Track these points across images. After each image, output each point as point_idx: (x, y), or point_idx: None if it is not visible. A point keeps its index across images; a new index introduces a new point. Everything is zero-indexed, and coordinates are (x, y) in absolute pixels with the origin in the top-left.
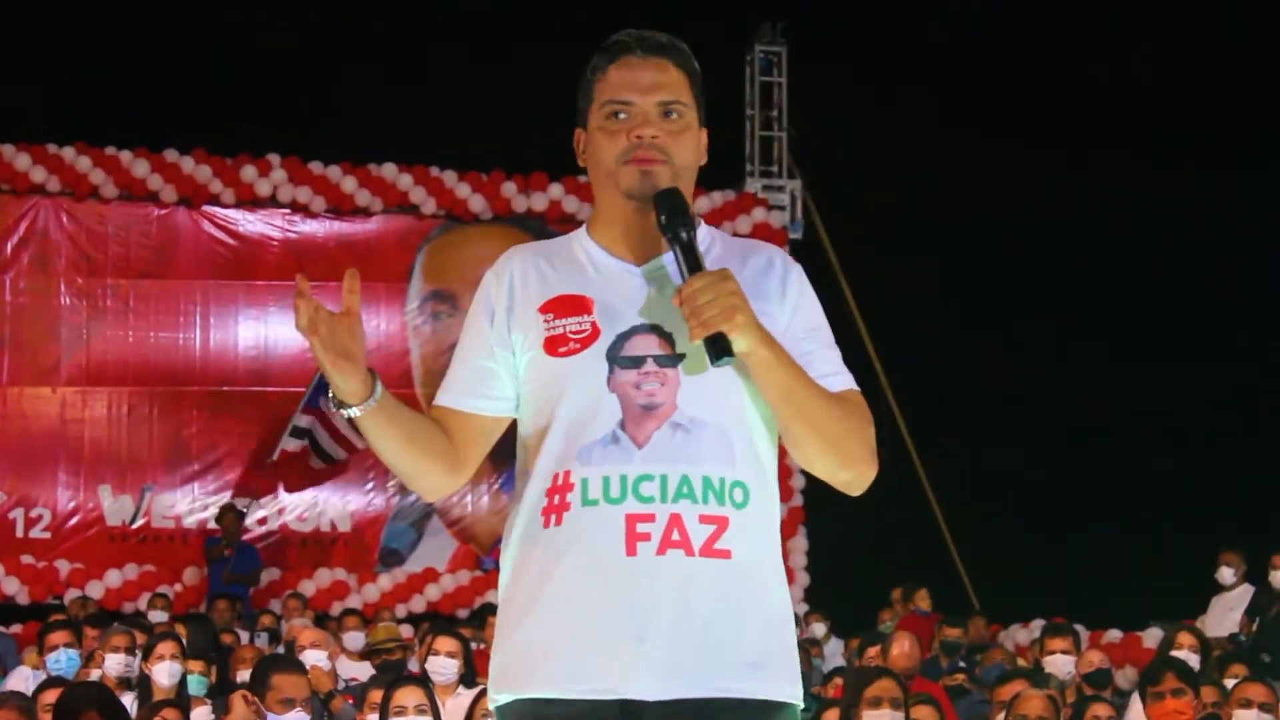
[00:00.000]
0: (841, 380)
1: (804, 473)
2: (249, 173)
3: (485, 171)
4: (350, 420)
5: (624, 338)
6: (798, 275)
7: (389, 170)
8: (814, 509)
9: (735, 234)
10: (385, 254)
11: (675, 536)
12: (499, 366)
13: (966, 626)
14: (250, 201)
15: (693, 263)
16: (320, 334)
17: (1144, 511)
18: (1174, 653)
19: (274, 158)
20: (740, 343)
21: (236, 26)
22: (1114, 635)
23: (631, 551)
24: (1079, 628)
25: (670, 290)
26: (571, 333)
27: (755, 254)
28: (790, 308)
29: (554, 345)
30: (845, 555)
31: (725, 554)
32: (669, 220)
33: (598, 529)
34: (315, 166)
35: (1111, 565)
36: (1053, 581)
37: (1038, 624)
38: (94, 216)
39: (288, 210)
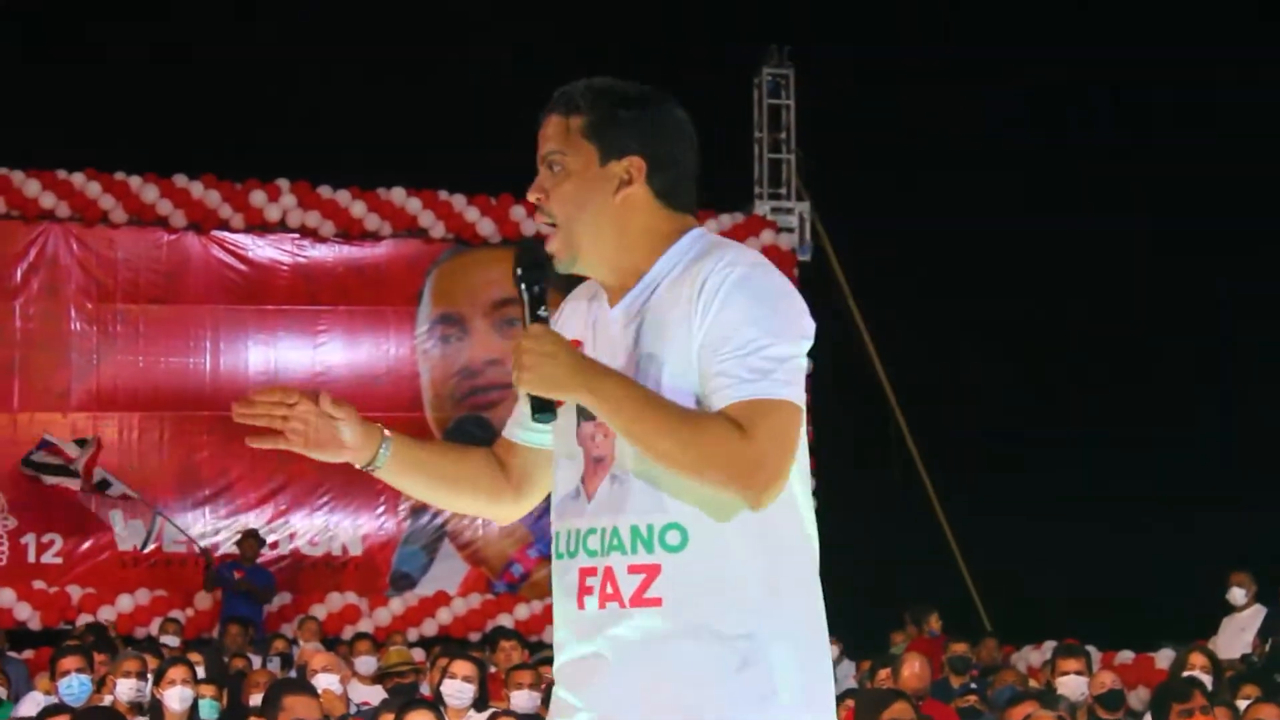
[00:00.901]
0: (732, 393)
1: (814, 495)
2: (258, 197)
3: (494, 195)
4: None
5: None
6: (719, 281)
7: (398, 194)
8: (824, 532)
9: None
10: (394, 278)
11: (609, 589)
12: None
13: (977, 646)
14: (260, 226)
15: (529, 317)
16: (295, 440)
17: (1155, 531)
18: (1186, 673)
19: (283, 182)
20: (552, 396)
21: (244, 52)
22: (1126, 656)
23: (580, 605)
24: (1091, 649)
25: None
26: None
27: (698, 265)
28: (701, 320)
29: None
30: (856, 577)
31: (656, 602)
32: (520, 274)
33: (562, 583)
34: (324, 191)
35: (1123, 586)
36: (1064, 602)
37: (1049, 645)
38: (104, 242)
39: (297, 235)
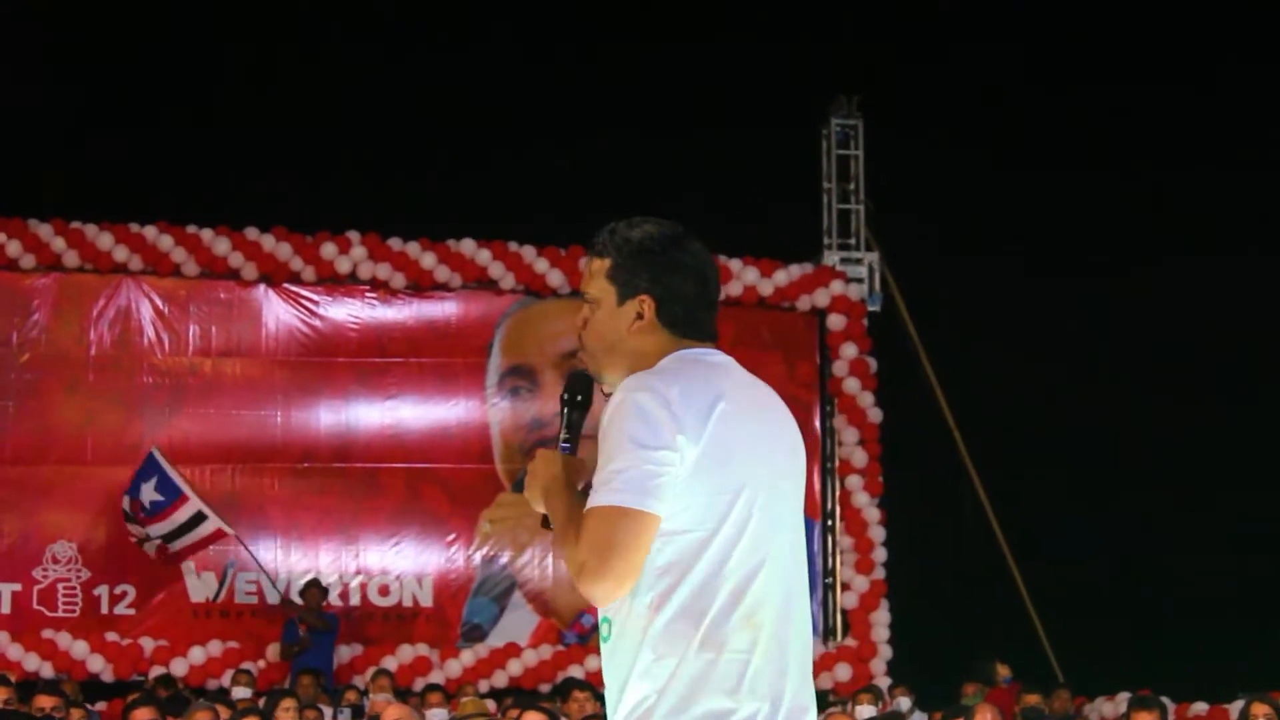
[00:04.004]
0: (587, 503)
1: (885, 545)
2: (329, 250)
3: (563, 246)
4: None
5: None
6: (612, 403)
7: (468, 246)
8: (896, 582)
9: (814, 307)
10: (464, 330)
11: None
12: None
13: (1050, 697)
14: (330, 279)
15: (558, 439)
16: None
17: (1233, 580)
18: None
19: (353, 234)
20: (536, 508)
21: (317, 106)
22: (1200, 708)
23: None
24: (1165, 700)
25: None
26: None
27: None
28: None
29: None
30: (928, 628)
31: (607, 685)
32: (566, 399)
33: None
34: (394, 243)
35: (1199, 636)
36: (1138, 653)
37: (1123, 696)
38: (176, 295)
39: (368, 287)
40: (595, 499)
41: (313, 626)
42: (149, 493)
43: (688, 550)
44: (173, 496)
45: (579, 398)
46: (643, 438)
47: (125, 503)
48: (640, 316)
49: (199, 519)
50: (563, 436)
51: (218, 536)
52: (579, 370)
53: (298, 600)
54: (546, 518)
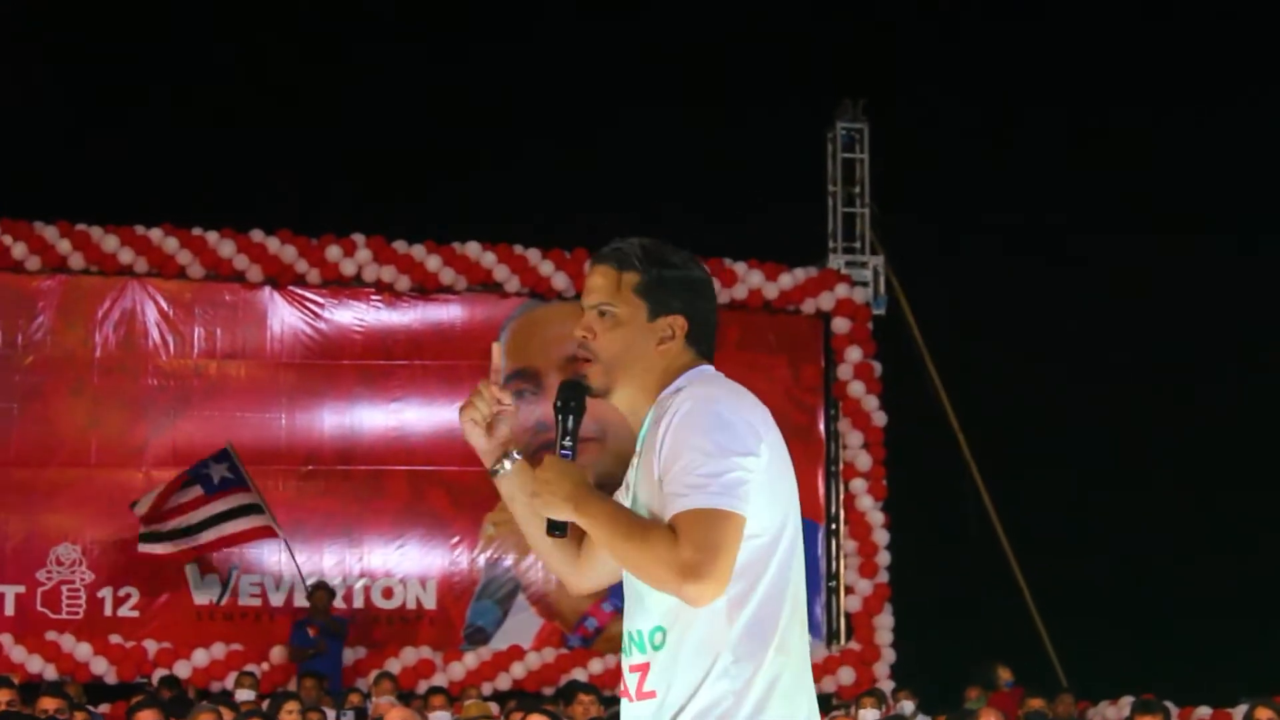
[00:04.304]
0: (674, 506)
1: (889, 549)
2: (334, 252)
3: (568, 249)
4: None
5: None
6: (670, 418)
7: (473, 249)
8: (899, 585)
9: (819, 311)
10: (469, 333)
11: (622, 686)
12: None
13: (1053, 701)
14: (335, 281)
15: (557, 446)
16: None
17: (1236, 583)
18: None
19: (358, 237)
20: (556, 517)
21: (321, 108)
22: (1203, 712)
23: (624, 697)
24: (1169, 704)
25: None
26: None
27: (666, 415)
28: (660, 452)
29: None
30: (932, 631)
31: (651, 694)
32: (559, 407)
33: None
34: (399, 246)
35: (1202, 640)
36: (1141, 657)
37: (1126, 700)
38: (181, 297)
39: (372, 289)
40: (692, 501)
41: (334, 633)
42: (220, 471)
43: (759, 554)
44: (240, 482)
45: (573, 404)
46: (729, 444)
47: (147, 501)
48: (670, 336)
49: (254, 509)
50: (565, 443)
51: (263, 533)
52: (573, 379)
53: (305, 603)
54: (555, 524)
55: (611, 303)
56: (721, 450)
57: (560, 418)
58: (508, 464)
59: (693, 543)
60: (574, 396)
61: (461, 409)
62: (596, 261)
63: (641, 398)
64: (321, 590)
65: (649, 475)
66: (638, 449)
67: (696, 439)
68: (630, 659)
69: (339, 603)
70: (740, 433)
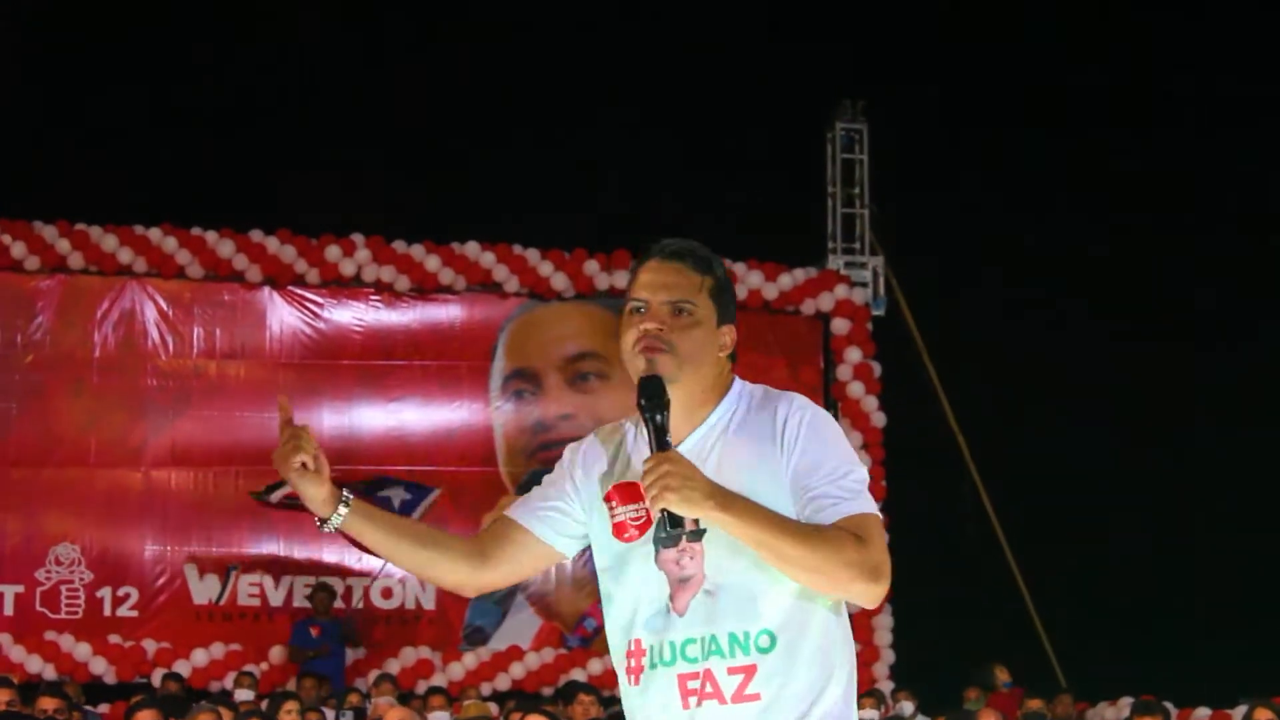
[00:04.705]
0: (842, 509)
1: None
2: (333, 252)
3: (568, 249)
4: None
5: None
6: (798, 420)
7: (472, 249)
8: (899, 586)
9: (819, 311)
10: (468, 333)
11: (709, 689)
12: (571, 515)
13: (1052, 701)
14: (334, 281)
15: (656, 444)
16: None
17: (1237, 584)
18: None
19: (358, 237)
20: (690, 514)
21: (321, 107)
22: (1203, 713)
23: (686, 705)
24: (1168, 705)
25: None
26: (630, 520)
27: (768, 409)
28: (789, 453)
29: (619, 531)
30: (931, 632)
31: (755, 697)
32: (645, 404)
33: (661, 688)
34: (399, 246)
35: (1201, 640)
36: (1141, 658)
37: (1126, 701)
38: (180, 297)
39: (372, 289)
40: (859, 506)
41: (341, 637)
42: (399, 494)
43: None
44: (425, 494)
45: (664, 400)
46: (854, 455)
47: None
48: (726, 346)
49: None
50: (667, 440)
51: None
52: (652, 374)
53: (305, 604)
54: (676, 523)
55: (693, 301)
56: (855, 459)
57: (651, 416)
58: (343, 509)
59: (877, 546)
60: (661, 392)
61: (282, 458)
62: (669, 258)
63: (697, 399)
64: (323, 591)
65: (769, 479)
66: (710, 461)
67: (837, 446)
68: (729, 660)
69: (338, 603)
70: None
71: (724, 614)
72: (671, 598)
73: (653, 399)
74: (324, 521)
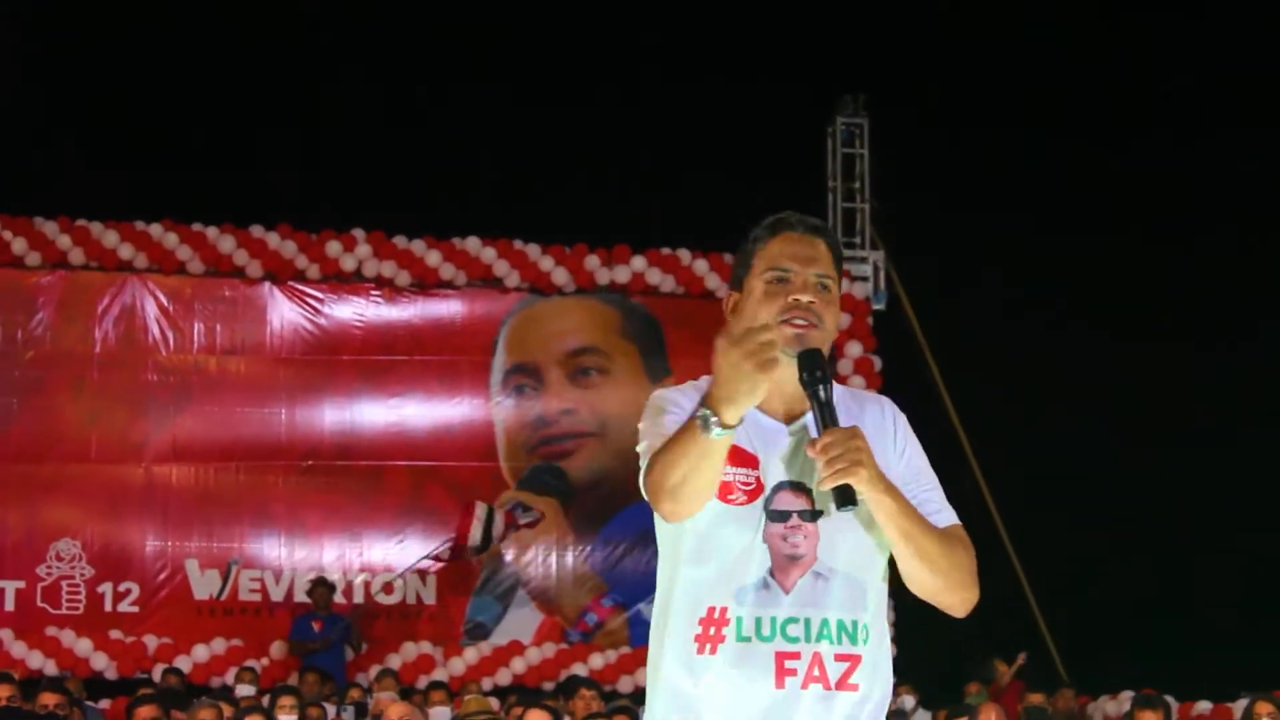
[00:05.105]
0: (946, 516)
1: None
2: (334, 248)
3: (568, 244)
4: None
5: (775, 491)
6: (904, 424)
7: (472, 244)
8: (899, 580)
9: None
10: (469, 328)
11: (816, 673)
12: None
13: (1053, 695)
14: (335, 276)
15: (829, 418)
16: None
17: (1237, 578)
18: None
19: (358, 233)
20: (864, 492)
21: (321, 103)
22: (1204, 707)
23: (780, 685)
24: (1169, 699)
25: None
26: (740, 483)
27: (870, 405)
28: (900, 454)
29: (724, 491)
30: (932, 626)
31: (855, 688)
32: (810, 379)
33: (749, 662)
34: (399, 241)
35: (1203, 634)
36: (1142, 651)
37: (1127, 695)
38: (181, 293)
39: (372, 285)
40: (956, 518)
41: (343, 637)
42: (525, 517)
43: None
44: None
45: (826, 373)
46: None
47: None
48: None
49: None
50: (838, 415)
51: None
52: (812, 347)
53: (305, 599)
54: (851, 494)
55: (834, 278)
56: None
57: (817, 389)
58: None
59: (974, 553)
60: (824, 365)
61: (774, 344)
62: (810, 232)
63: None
64: (322, 586)
65: (882, 467)
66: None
67: (925, 457)
68: (836, 647)
69: (339, 598)
70: None
71: (834, 599)
72: (773, 573)
73: (815, 372)
74: (726, 427)
